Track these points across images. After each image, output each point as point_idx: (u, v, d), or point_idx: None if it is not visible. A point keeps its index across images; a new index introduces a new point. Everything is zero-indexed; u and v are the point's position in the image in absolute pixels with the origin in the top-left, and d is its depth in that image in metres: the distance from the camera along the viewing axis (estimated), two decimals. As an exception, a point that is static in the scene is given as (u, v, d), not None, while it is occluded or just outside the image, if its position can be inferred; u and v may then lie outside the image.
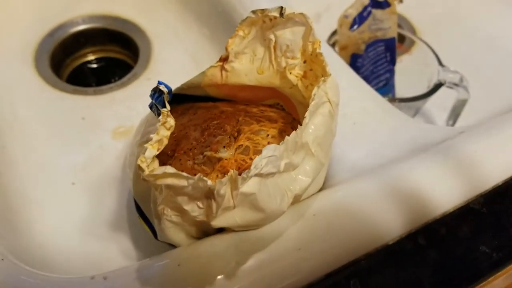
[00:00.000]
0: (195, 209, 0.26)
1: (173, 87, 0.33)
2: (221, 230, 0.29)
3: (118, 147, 0.46)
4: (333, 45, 0.56)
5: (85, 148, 0.46)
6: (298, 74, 0.30)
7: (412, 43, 0.60)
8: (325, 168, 0.31)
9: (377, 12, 0.55)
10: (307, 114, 0.27)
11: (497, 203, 0.31)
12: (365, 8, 0.55)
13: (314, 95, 0.27)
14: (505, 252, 0.30)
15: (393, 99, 0.54)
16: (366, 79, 0.58)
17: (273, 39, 0.29)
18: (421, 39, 0.58)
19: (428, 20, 0.70)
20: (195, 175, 0.29)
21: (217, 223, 0.26)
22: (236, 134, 0.30)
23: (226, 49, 0.30)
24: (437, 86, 0.53)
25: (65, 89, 0.51)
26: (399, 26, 0.72)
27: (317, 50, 0.29)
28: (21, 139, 0.45)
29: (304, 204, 0.30)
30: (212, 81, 0.32)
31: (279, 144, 0.25)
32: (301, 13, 0.28)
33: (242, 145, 0.29)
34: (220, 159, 0.29)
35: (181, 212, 0.27)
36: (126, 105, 0.50)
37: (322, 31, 0.57)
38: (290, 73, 0.30)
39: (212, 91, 0.34)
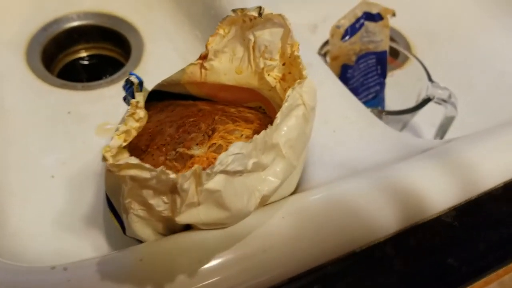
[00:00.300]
0: (160, 204, 0.25)
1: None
2: (188, 228, 0.29)
3: (101, 143, 0.46)
4: (324, 55, 0.57)
5: (68, 143, 0.46)
6: (277, 76, 0.30)
7: (406, 59, 0.60)
8: (298, 171, 0.31)
9: (369, 25, 0.56)
10: (278, 114, 0.27)
11: (469, 217, 0.31)
12: (357, 19, 0.55)
13: (288, 96, 0.27)
14: (473, 267, 0.29)
15: (380, 111, 0.54)
16: (356, 90, 0.58)
17: (252, 39, 0.30)
18: (412, 55, 0.58)
19: (424, 37, 0.70)
20: (165, 170, 0.29)
21: (181, 219, 0.26)
22: (210, 132, 0.30)
23: (206, 47, 0.30)
24: (425, 101, 0.53)
25: (54, 83, 0.51)
26: (395, 41, 0.72)
27: (295, 53, 0.29)
28: (4, 129, 0.45)
29: (274, 206, 0.30)
30: (191, 79, 0.32)
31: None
32: (280, 14, 0.28)
33: (215, 143, 0.29)
34: (192, 156, 0.29)
35: (148, 206, 0.26)
36: (113, 102, 0.50)
37: (318, 42, 0.58)
38: (268, 74, 0.30)
39: (193, 90, 0.34)
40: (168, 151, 0.29)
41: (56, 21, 0.57)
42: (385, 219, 0.30)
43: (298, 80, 0.28)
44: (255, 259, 0.28)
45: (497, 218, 0.31)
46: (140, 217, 0.27)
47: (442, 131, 0.56)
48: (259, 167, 0.26)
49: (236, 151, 0.24)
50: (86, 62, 0.58)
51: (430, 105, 0.53)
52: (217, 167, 0.24)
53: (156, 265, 0.27)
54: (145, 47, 0.56)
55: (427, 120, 0.58)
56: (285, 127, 0.28)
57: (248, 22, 0.29)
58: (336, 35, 0.54)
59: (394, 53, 0.60)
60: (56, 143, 0.45)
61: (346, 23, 0.54)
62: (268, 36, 0.29)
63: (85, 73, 0.58)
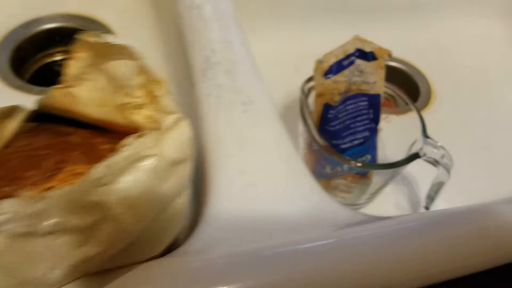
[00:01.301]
0: None
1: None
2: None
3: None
4: (308, 91, 0.51)
5: None
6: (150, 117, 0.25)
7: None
8: (160, 233, 0.26)
9: (362, 64, 0.49)
10: (96, 167, 0.21)
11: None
12: (347, 56, 0.48)
13: (124, 146, 0.22)
14: None
15: (356, 163, 0.47)
16: (338, 134, 0.51)
17: (108, 68, 0.25)
18: (411, 103, 0.51)
19: (448, 84, 0.64)
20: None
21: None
22: (57, 171, 0.25)
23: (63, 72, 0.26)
24: (412, 156, 0.46)
25: (11, 83, 0.49)
26: (414, 81, 0.66)
27: (156, 93, 0.23)
28: None
29: (98, 277, 0.24)
30: (56, 104, 0.27)
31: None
32: (125, 46, 0.23)
33: (52, 187, 0.24)
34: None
35: None
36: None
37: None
38: (134, 113, 0.25)
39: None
40: (-2, 187, 0.25)
41: (37, 20, 0.55)
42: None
43: (150, 127, 0.23)
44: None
45: None
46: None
47: (430, 197, 0.48)
48: (68, 230, 0.21)
49: (7, 210, 0.19)
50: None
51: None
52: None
53: None
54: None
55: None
56: (121, 182, 0.22)
57: (103, 49, 0.24)
58: (319, 70, 0.48)
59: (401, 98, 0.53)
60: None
61: (332, 59, 0.48)
62: (123, 67, 0.24)
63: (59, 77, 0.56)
